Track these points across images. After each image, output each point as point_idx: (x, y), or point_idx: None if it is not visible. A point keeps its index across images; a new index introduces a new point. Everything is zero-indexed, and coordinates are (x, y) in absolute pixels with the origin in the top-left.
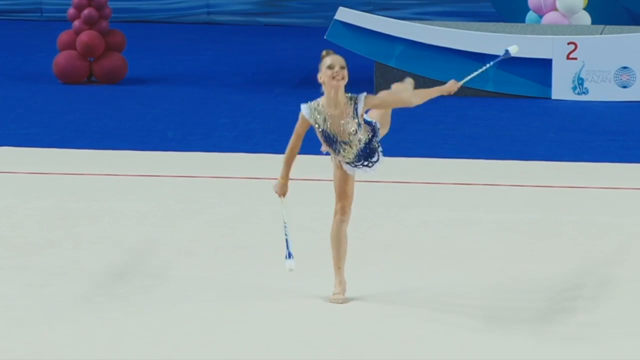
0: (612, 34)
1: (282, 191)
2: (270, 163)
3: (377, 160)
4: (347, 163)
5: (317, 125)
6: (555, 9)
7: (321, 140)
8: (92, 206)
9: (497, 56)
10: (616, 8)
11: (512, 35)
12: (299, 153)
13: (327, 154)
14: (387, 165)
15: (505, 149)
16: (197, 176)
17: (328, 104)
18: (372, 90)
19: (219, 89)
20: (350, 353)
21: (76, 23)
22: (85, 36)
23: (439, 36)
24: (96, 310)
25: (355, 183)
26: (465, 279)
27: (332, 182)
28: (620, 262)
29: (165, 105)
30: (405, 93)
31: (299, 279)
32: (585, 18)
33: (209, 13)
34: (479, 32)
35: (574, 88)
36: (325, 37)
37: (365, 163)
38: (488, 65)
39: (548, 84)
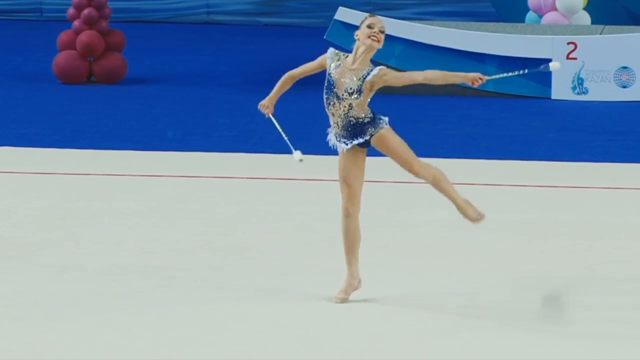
0: (611, 33)
1: (265, 107)
2: (270, 163)
3: (359, 143)
4: (336, 136)
5: (328, 68)
6: (555, 9)
7: (324, 88)
8: (92, 206)
9: (533, 66)
10: (616, 8)
11: (511, 35)
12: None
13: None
14: (387, 165)
15: (505, 148)
16: (197, 176)
17: (351, 58)
18: None
19: (218, 89)
20: (350, 353)
21: (76, 23)
22: (85, 36)
23: (438, 36)
24: (96, 310)
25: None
26: (465, 278)
27: (333, 183)
28: (620, 261)
29: (165, 105)
30: (417, 72)
31: (299, 279)
32: (585, 18)
33: (208, 13)
34: (478, 32)
35: (574, 88)
36: (325, 37)
37: (345, 140)
38: (522, 72)
39: (548, 84)
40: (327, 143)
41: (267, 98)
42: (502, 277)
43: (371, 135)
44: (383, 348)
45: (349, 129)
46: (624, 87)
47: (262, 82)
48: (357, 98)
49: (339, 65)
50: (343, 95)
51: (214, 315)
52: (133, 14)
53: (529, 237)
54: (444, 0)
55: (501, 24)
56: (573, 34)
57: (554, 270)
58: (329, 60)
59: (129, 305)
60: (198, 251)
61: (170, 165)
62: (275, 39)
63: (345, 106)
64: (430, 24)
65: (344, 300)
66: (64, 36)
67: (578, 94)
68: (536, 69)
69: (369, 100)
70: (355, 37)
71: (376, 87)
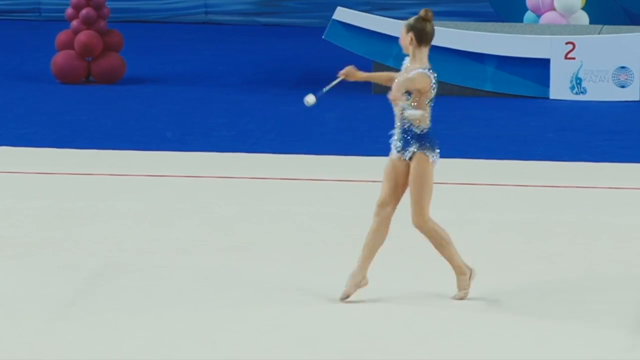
0: (610, 33)
1: (348, 72)
2: (268, 163)
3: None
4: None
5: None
6: (553, 9)
7: None
8: (91, 206)
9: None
10: (614, 8)
11: (510, 35)
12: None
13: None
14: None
15: (504, 148)
16: (196, 176)
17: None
18: (370, 89)
19: (217, 89)
20: (350, 353)
21: (74, 23)
22: (83, 36)
23: (437, 36)
24: (96, 310)
25: (358, 183)
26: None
27: (331, 183)
28: (620, 261)
29: (163, 105)
30: None
31: (299, 279)
32: (583, 18)
33: (206, 13)
34: (477, 32)
35: (572, 88)
36: (323, 36)
37: (394, 144)
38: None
39: (546, 84)
40: (327, 144)
41: (354, 69)
42: (502, 277)
43: (413, 153)
44: (382, 348)
45: (400, 133)
46: (623, 86)
47: (261, 82)
48: (403, 102)
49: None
50: (395, 102)
51: (214, 315)
52: (131, 14)
53: (528, 237)
54: (442, 0)
55: (499, 23)
56: (571, 34)
57: (554, 269)
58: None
59: (129, 305)
60: (196, 251)
61: (169, 165)
62: (273, 39)
63: (398, 114)
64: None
65: (342, 298)
66: (62, 36)
67: (576, 93)
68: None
69: (424, 108)
70: None
71: (412, 90)
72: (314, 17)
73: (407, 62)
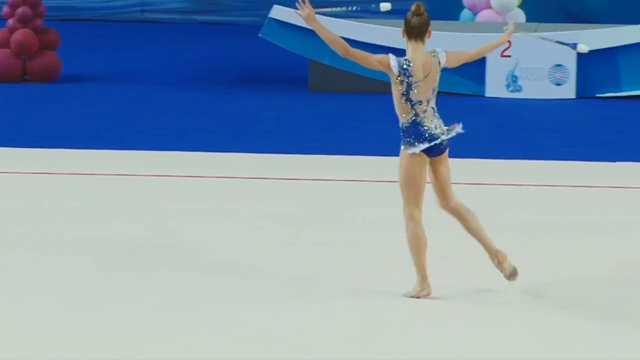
0: (546, 31)
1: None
2: (208, 161)
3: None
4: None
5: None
6: (490, 7)
7: None
8: (26, 204)
9: (561, 42)
10: (551, 6)
11: (447, 32)
12: (237, 151)
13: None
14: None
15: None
16: (136, 174)
17: None
18: (306, 87)
19: (155, 88)
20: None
21: (10, 21)
22: (19, 34)
23: (374, 34)
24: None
25: (299, 181)
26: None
27: (270, 182)
28: (563, 259)
29: (100, 103)
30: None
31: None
32: (520, 16)
33: (143, 11)
34: None
35: (508, 86)
36: (259, 35)
37: None
38: (551, 40)
39: (482, 82)
40: (266, 142)
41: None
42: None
43: (401, 148)
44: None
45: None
46: (558, 84)
47: (199, 80)
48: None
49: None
50: None
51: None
52: (68, 12)
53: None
54: None
55: (436, 21)
56: None
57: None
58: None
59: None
60: (134, 249)
61: (106, 164)
62: (211, 37)
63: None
64: (366, 22)
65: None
66: None
67: (512, 91)
68: (564, 42)
69: (399, 99)
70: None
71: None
72: (251, 15)
73: None
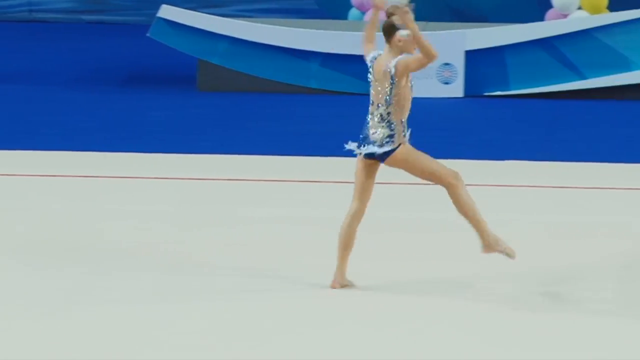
0: (434, 30)
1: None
2: (96, 161)
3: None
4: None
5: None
6: None
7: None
8: None
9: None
10: (438, 4)
11: (335, 32)
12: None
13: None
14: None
15: (330, 145)
16: (21, 174)
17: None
18: (195, 87)
19: (43, 88)
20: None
21: None
22: None
23: (261, 33)
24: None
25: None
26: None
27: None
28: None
29: None
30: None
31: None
32: None
33: (30, 11)
34: (301, 29)
35: None
36: (148, 34)
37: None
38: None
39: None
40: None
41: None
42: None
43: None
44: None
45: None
46: (447, 83)
47: (87, 80)
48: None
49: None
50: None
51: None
52: None
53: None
54: None
55: (324, 21)
56: None
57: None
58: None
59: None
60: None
61: None
62: (99, 37)
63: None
64: (253, 21)
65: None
66: None
67: None
68: None
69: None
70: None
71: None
72: (140, 14)
73: None
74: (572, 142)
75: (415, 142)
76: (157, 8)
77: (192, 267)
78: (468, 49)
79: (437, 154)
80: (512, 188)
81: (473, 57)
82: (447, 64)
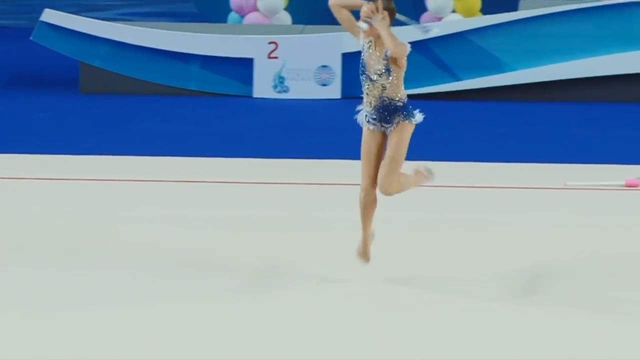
0: (311, 33)
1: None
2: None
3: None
4: (366, 115)
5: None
6: (257, 10)
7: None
8: None
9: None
10: (316, 8)
11: (214, 35)
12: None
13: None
14: None
15: (210, 147)
16: None
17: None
18: (77, 89)
19: None
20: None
21: None
22: None
23: (141, 36)
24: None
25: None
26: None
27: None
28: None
29: None
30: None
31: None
32: (286, 18)
33: None
34: (181, 32)
35: (275, 86)
36: (31, 38)
37: (373, 122)
38: (411, 23)
39: (249, 83)
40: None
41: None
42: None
43: (397, 124)
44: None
45: (381, 110)
46: (324, 85)
47: None
48: (386, 76)
49: (369, 46)
50: (374, 77)
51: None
52: None
53: (243, 233)
54: (148, 1)
55: (204, 24)
56: (274, 34)
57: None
58: (362, 35)
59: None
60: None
61: None
62: None
63: (378, 87)
64: (134, 25)
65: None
66: None
67: (279, 92)
68: (422, 27)
69: (402, 80)
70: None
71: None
72: (20, 18)
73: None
74: (447, 142)
75: (294, 142)
76: (38, 12)
77: (71, 272)
78: (345, 51)
79: (315, 154)
80: None
81: (350, 60)
82: (324, 66)
